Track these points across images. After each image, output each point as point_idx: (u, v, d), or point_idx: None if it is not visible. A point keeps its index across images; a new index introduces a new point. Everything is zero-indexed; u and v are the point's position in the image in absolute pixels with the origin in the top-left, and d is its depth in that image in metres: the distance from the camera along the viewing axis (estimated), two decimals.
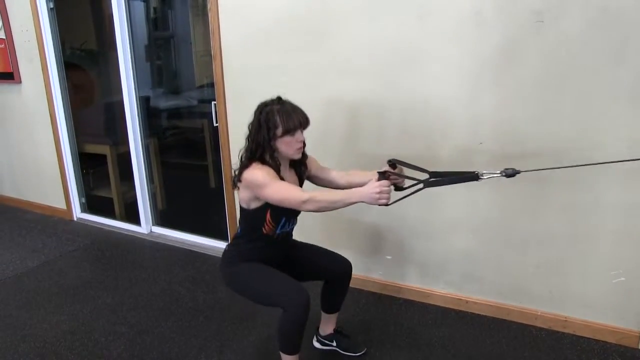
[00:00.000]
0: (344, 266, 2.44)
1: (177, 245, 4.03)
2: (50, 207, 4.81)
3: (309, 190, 2.06)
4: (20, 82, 4.48)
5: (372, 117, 2.88)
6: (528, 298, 2.78)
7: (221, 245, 3.83)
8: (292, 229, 2.34)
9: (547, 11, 2.34)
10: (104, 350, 2.70)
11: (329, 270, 2.44)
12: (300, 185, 2.30)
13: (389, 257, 3.10)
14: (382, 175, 1.98)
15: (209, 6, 3.22)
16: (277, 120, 2.06)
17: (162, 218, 4.36)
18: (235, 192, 2.33)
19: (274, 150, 2.12)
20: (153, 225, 4.31)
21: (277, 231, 2.23)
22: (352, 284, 3.13)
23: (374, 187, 1.92)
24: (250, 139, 2.14)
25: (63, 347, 2.73)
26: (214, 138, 3.77)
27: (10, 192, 5.14)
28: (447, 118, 2.68)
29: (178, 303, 3.14)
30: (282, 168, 2.17)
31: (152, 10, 4.28)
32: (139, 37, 4.07)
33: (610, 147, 2.35)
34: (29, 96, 4.50)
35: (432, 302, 3.03)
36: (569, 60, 2.36)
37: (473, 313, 2.92)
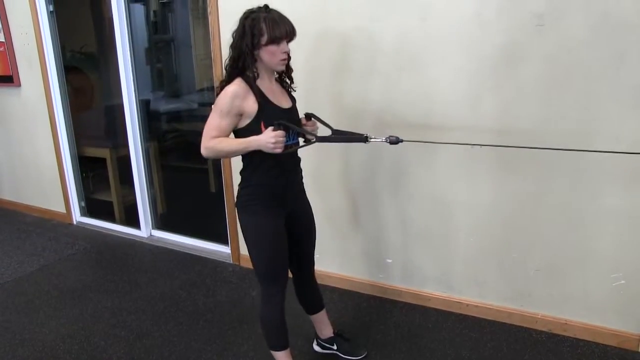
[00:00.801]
0: (309, 273, 2.46)
1: (177, 248, 4.02)
2: (49, 211, 4.81)
3: (219, 138, 2.02)
4: (19, 85, 4.48)
5: (373, 118, 2.87)
6: (528, 301, 2.78)
7: (221, 248, 3.84)
8: (295, 143, 2.18)
9: (548, 14, 2.34)
10: (104, 354, 2.69)
11: (300, 268, 2.42)
12: (292, 99, 2.24)
13: (389, 261, 3.09)
14: (278, 126, 1.98)
15: (209, 9, 3.22)
16: (262, 27, 1.98)
17: (162, 222, 4.35)
18: None
19: (255, 60, 2.04)
20: (153, 228, 4.30)
21: None
22: (353, 287, 3.16)
23: (269, 136, 1.93)
24: (233, 46, 2.05)
25: (62, 351, 2.72)
26: None
27: (9, 196, 5.14)
28: (448, 119, 2.68)
29: (178, 306, 3.14)
30: (265, 81, 2.09)
31: (152, 13, 4.28)
32: (139, 40, 4.08)
33: (610, 149, 2.35)
34: (28, 99, 4.50)
35: (432, 306, 3.02)
36: (570, 63, 2.36)
37: (474, 316, 2.91)
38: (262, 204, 2.16)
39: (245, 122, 2.05)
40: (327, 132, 2.18)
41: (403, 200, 2.93)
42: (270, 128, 1.97)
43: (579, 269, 2.61)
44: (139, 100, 4.03)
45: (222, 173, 3.58)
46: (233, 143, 2.04)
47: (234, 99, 1.99)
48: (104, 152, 4.45)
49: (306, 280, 2.47)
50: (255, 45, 2.00)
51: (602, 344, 2.62)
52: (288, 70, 2.19)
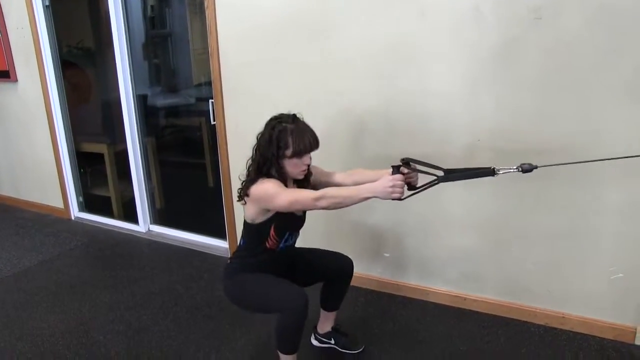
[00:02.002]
0: (346, 265, 2.45)
1: (175, 243, 4.03)
2: (47, 206, 4.81)
3: (324, 189, 2.05)
4: (16, 80, 4.47)
5: (370, 114, 2.87)
6: (526, 295, 2.79)
7: (219, 243, 3.84)
8: (294, 242, 2.34)
9: (545, 8, 2.34)
10: (102, 348, 2.70)
11: (332, 269, 2.44)
12: None
13: (387, 255, 3.10)
14: (396, 170, 1.96)
15: (206, 4, 3.21)
16: (289, 141, 2.04)
17: (160, 217, 4.35)
18: (241, 205, 2.27)
19: (280, 167, 2.10)
20: (151, 223, 4.31)
21: (281, 245, 2.24)
22: (351, 282, 3.15)
23: (387, 180, 1.90)
24: (259, 152, 2.11)
25: (61, 346, 2.73)
26: (212, 136, 3.77)
27: (7, 191, 5.14)
28: (446, 115, 2.68)
29: (176, 301, 3.14)
30: (288, 183, 2.17)
31: (149, 8, 4.26)
32: (136, 35, 4.06)
33: (609, 144, 2.36)
34: (25, 95, 4.49)
35: (430, 300, 3.03)
36: (568, 57, 2.36)
37: (472, 310, 2.92)
38: (246, 272, 2.27)
39: (260, 219, 2.15)
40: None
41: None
42: (388, 171, 1.97)
43: (577, 263, 2.61)
44: (136, 95, 4.03)
45: (220, 168, 3.58)
46: (349, 190, 2.02)
47: (274, 181, 2.08)
48: (101, 148, 4.44)
49: (341, 279, 2.48)
50: (280, 156, 2.06)
51: (599, 337, 2.63)
52: (308, 174, 2.24)
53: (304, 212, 2.30)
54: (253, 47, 3.13)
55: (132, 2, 3.92)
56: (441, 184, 1.98)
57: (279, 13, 2.97)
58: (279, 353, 2.26)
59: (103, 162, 4.48)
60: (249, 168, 2.17)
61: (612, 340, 2.61)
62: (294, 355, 2.27)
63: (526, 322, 2.79)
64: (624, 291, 2.55)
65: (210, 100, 3.46)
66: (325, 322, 2.61)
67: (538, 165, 1.88)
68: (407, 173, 2.02)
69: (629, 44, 2.24)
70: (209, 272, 3.51)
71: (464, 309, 2.93)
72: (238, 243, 2.39)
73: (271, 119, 2.12)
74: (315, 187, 2.29)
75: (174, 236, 4.13)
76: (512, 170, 1.89)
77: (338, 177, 2.31)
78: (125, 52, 3.90)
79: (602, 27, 2.27)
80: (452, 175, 2.01)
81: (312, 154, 2.15)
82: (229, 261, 2.39)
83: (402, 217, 2.98)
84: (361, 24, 2.76)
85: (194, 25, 3.98)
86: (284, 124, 2.07)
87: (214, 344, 2.70)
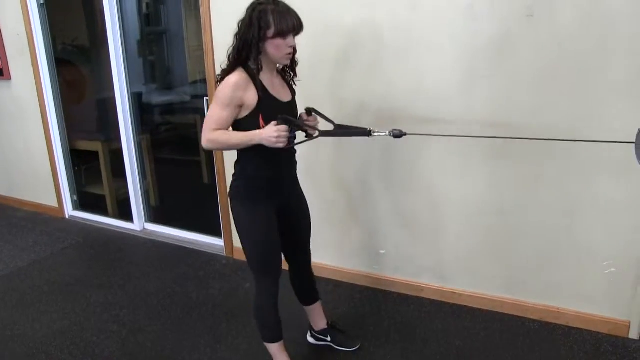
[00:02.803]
0: (305, 263, 2.45)
1: (170, 242, 4.02)
2: (41, 205, 4.78)
3: (221, 131, 2.00)
4: (10, 78, 4.45)
5: (363, 106, 2.87)
6: (521, 290, 2.79)
7: (215, 241, 3.83)
8: (294, 137, 2.13)
9: (538, 4, 2.34)
10: (96, 349, 2.68)
11: (294, 259, 2.43)
12: (292, 91, 2.23)
13: (382, 252, 3.10)
14: (283, 121, 1.97)
15: (200, 1, 3.20)
16: (270, 20, 1.96)
17: (155, 215, 4.34)
18: None
19: (260, 52, 2.01)
20: (146, 222, 4.29)
21: None
22: (346, 279, 3.16)
23: (272, 130, 1.92)
24: (239, 37, 2.03)
25: (54, 347, 2.71)
26: None
27: (0, 190, 5.11)
28: (439, 109, 2.68)
29: (171, 300, 3.13)
30: (267, 73, 2.07)
31: (144, 5, 4.25)
32: (131, 33, 4.05)
33: (602, 138, 2.35)
34: (19, 92, 4.47)
35: (426, 296, 3.03)
36: (561, 53, 2.36)
37: (467, 306, 2.92)
38: (255, 195, 2.15)
39: (244, 114, 2.03)
40: (327, 127, 2.16)
41: (396, 191, 2.93)
42: (273, 122, 1.96)
43: (571, 258, 2.62)
44: (131, 93, 4.01)
45: (214, 165, 3.57)
46: (236, 136, 2.01)
47: (235, 90, 1.97)
48: (96, 146, 4.43)
49: (302, 270, 2.46)
50: (262, 38, 1.97)
51: (594, 331, 2.64)
52: (292, 63, 2.17)
53: (294, 99, 2.22)
54: None
55: None
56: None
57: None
58: (265, 345, 2.28)
59: (97, 160, 4.46)
60: (229, 56, 2.08)
61: (606, 334, 2.62)
62: (279, 345, 2.30)
63: (521, 317, 2.79)
64: (618, 285, 2.56)
65: (205, 98, 3.44)
66: (316, 318, 2.60)
67: (407, 133, 2.04)
68: (300, 123, 2.09)
69: (621, 40, 2.25)
70: (204, 270, 3.50)
71: (460, 305, 2.94)
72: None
73: (251, 3, 2.04)
74: None
75: (169, 234, 4.12)
76: (384, 134, 2.04)
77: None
78: (120, 49, 3.89)
79: (594, 24, 2.27)
80: (332, 131, 2.14)
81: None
82: (233, 177, 2.24)
83: (398, 214, 2.97)
84: (355, 15, 2.75)
85: (189, 23, 3.97)
86: (264, 5, 1.99)
87: (209, 343, 2.69)
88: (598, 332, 2.63)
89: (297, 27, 2.01)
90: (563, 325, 2.70)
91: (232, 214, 2.22)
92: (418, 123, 2.72)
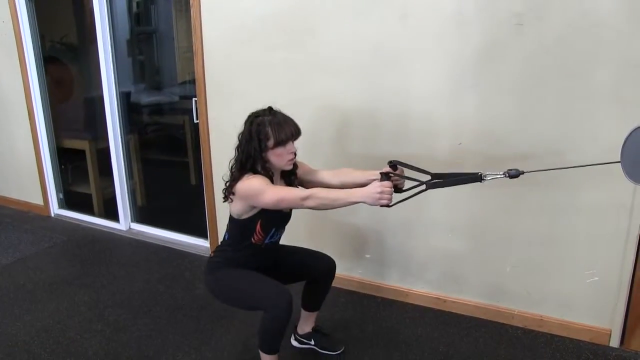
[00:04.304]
0: (328, 265, 2.45)
1: (156, 242, 4.00)
2: (26, 203, 4.74)
3: (315, 188, 2.06)
4: None
5: (354, 115, 2.88)
6: (505, 297, 2.81)
7: (200, 242, 3.82)
8: (279, 238, 2.34)
9: (527, 13, 2.36)
10: (79, 348, 2.67)
11: (314, 268, 2.44)
12: None
13: (368, 256, 3.11)
14: (385, 176, 1.97)
15: (191, 2, 3.20)
16: (268, 131, 2.04)
17: (142, 215, 4.32)
18: (227, 204, 2.26)
19: (265, 162, 2.10)
20: (132, 222, 4.27)
21: (266, 241, 2.23)
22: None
23: (375, 187, 1.91)
24: (240, 150, 2.12)
25: (36, 346, 2.69)
26: (195, 134, 3.76)
27: None
28: (428, 117, 2.70)
29: (156, 300, 3.12)
30: (274, 178, 2.17)
31: (134, 4, 4.24)
32: (120, 32, 4.03)
33: (588, 149, 2.39)
34: (6, 90, 4.43)
35: (410, 301, 3.04)
36: (549, 62, 2.39)
37: (451, 312, 2.94)
38: (228, 267, 2.27)
39: (246, 215, 2.14)
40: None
41: None
42: (377, 177, 1.98)
43: (555, 266, 2.64)
44: (119, 92, 4.00)
45: (202, 166, 3.56)
46: (338, 193, 2.02)
47: (260, 177, 2.07)
48: (83, 144, 4.40)
49: (322, 279, 2.47)
50: (263, 149, 2.05)
51: (576, 339, 2.66)
52: (294, 167, 2.23)
53: (291, 209, 2.30)
54: (237, 46, 3.12)
55: None
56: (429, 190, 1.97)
57: (263, 13, 2.97)
58: (261, 353, 2.26)
59: (84, 158, 4.43)
60: (231, 168, 2.17)
61: (588, 342, 2.65)
62: (276, 356, 2.27)
63: (505, 324, 2.81)
64: (600, 294, 2.58)
65: (193, 99, 3.44)
66: (306, 323, 2.61)
67: (525, 171, 1.87)
68: (395, 177, 2.03)
69: (608, 49, 2.28)
70: (189, 271, 3.49)
71: (444, 311, 2.95)
72: (222, 237, 2.38)
73: (248, 116, 2.13)
74: (301, 184, 2.31)
75: (155, 234, 4.11)
76: (499, 176, 1.89)
77: (324, 175, 2.32)
78: (109, 48, 3.87)
79: (582, 33, 2.30)
80: (440, 181, 2.00)
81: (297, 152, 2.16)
82: (211, 254, 2.38)
83: (384, 219, 2.98)
84: (346, 25, 2.77)
85: (179, 23, 3.97)
86: (260, 117, 2.08)
87: (193, 344, 2.69)
88: (580, 340, 2.66)
89: (294, 134, 2.09)
90: (546, 333, 2.73)
91: (207, 287, 2.31)
92: (407, 134, 2.74)
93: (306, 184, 2.31)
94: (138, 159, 4.32)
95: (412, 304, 3.03)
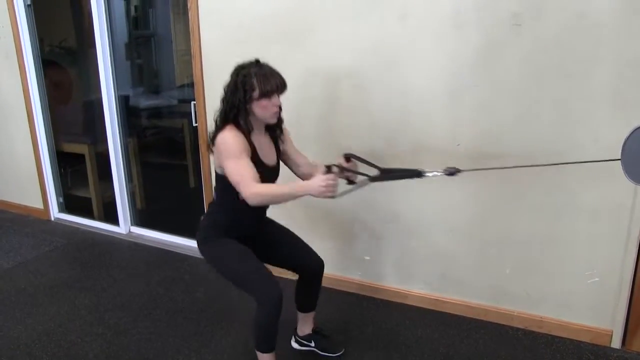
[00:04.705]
0: (316, 265, 2.43)
1: (155, 245, 4.00)
2: (26, 207, 4.75)
3: (266, 184, 2.04)
4: None
5: (352, 115, 2.89)
6: (505, 298, 2.81)
7: None
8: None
9: (525, 13, 2.37)
10: (80, 351, 2.67)
11: (301, 264, 2.43)
12: (277, 150, 2.28)
13: (367, 258, 3.11)
14: (329, 169, 2.00)
15: (189, 5, 3.21)
16: (254, 82, 2.03)
17: (141, 218, 4.32)
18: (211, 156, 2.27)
19: (248, 114, 2.09)
20: (132, 225, 4.27)
21: None
22: (330, 285, 3.16)
23: (320, 180, 1.93)
24: (225, 101, 2.11)
25: (38, 349, 2.70)
26: (194, 138, 3.76)
27: None
28: (426, 118, 2.70)
29: (156, 303, 3.12)
30: (256, 132, 2.14)
31: (132, 8, 4.24)
32: (118, 35, 4.03)
33: (586, 149, 2.39)
34: (5, 94, 4.43)
35: (410, 303, 3.04)
36: (547, 63, 2.39)
37: (451, 313, 2.94)
38: (220, 234, 2.25)
39: None
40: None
41: (381, 199, 2.95)
42: (322, 171, 1.99)
43: (554, 267, 2.64)
44: (118, 95, 4.00)
45: (201, 169, 3.57)
46: (281, 188, 2.04)
47: (237, 138, 2.05)
48: (82, 148, 4.40)
49: (312, 277, 2.47)
50: (248, 100, 2.04)
51: (577, 340, 2.67)
52: (279, 121, 2.22)
53: (278, 162, 2.29)
54: (236, 49, 3.11)
55: (115, 1, 3.90)
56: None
57: (261, 15, 2.98)
58: (258, 353, 2.27)
59: (84, 162, 4.44)
60: (216, 119, 2.15)
61: (589, 343, 2.65)
62: (272, 355, 2.28)
63: (505, 325, 2.81)
64: (601, 295, 2.58)
65: (192, 102, 3.44)
66: (305, 324, 2.61)
67: (462, 170, 1.95)
68: (341, 172, 2.08)
69: (606, 50, 2.28)
70: (189, 274, 3.50)
71: (444, 312, 2.95)
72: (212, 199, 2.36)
73: (235, 68, 2.12)
74: (283, 149, 2.31)
75: (154, 238, 4.11)
76: (438, 174, 1.96)
77: (300, 159, 2.35)
78: (108, 52, 3.87)
79: (580, 33, 2.30)
80: (382, 176, 2.09)
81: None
82: (202, 218, 2.36)
83: (383, 221, 2.99)
84: (344, 26, 2.77)
85: (177, 27, 3.97)
86: (246, 69, 2.07)
87: (193, 346, 2.69)
88: (580, 341, 2.66)
89: (280, 86, 2.09)
90: (546, 334, 2.73)
91: (205, 257, 2.30)
92: (405, 135, 2.75)
93: (283, 156, 2.32)
94: (137, 162, 4.33)
95: (411, 306, 3.03)
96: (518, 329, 2.78)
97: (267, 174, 2.16)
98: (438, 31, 2.58)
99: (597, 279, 2.57)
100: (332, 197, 1.94)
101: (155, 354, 2.64)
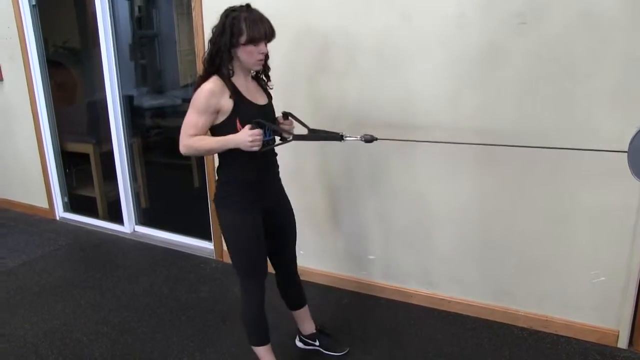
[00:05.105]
0: (292, 273, 2.47)
1: (160, 244, 4.01)
2: (32, 206, 4.76)
3: (198, 137, 2.02)
4: (1, 79, 4.43)
5: (355, 115, 2.88)
6: (510, 298, 2.80)
7: (204, 244, 3.83)
8: (272, 140, 2.22)
9: (529, 13, 2.36)
10: (85, 349, 2.68)
11: (280, 266, 2.44)
12: (268, 95, 2.25)
13: (372, 257, 3.10)
14: (257, 125, 2.00)
15: (192, 5, 3.21)
16: (242, 27, 1.98)
17: (145, 217, 4.33)
18: None
19: (231, 58, 2.04)
20: (136, 224, 4.28)
21: None
22: (335, 284, 3.17)
23: (246, 134, 1.95)
24: (212, 42, 2.05)
25: (43, 347, 2.71)
26: None
27: None
28: (428, 117, 2.70)
29: (161, 302, 3.13)
30: (241, 78, 2.10)
31: (136, 8, 4.25)
32: (123, 36, 4.04)
33: (590, 146, 2.37)
34: (10, 94, 4.45)
35: (414, 302, 3.04)
36: (550, 61, 2.38)
37: (455, 313, 2.93)
38: (239, 200, 2.17)
39: (220, 119, 2.06)
40: (303, 131, 2.21)
41: (384, 197, 2.94)
42: (248, 126, 1.99)
43: (560, 266, 2.63)
44: (122, 95, 4.01)
45: (205, 169, 3.57)
46: (211, 141, 2.05)
47: (210, 96, 2.00)
48: (87, 148, 4.41)
49: (289, 276, 2.48)
50: (234, 44, 2.00)
51: (583, 340, 2.65)
52: (265, 69, 2.20)
53: (270, 103, 2.24)
54: None
55: (119, 2, 3.91)
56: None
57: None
58: (253, 348, 2.30)
59: (88, 162, 4.45)
60: (203, 61, 2.11)
61: (595, 343, 2.63)
62: (267, 348, 2.30)
63: (510, 325, 2.80)
64: (607, 294, 2.57)
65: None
66: (303, 322, 2.60)
67: (378, 138, 2.14)
68: (274, 127, 2.15)
69: (610, 49, 2.27)
70: (193, 273, 3.50)
71: (448, 312, 2.95)
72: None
73: (225, 10, 2.06)
74: None
75: (159, 237, 4.11)
76: (356, 139, 2.13)
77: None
78: (112, 52, 3.88)
79: (584, 32, 2.29)
80: (304, 135, 2.22)
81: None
82: (217, 181, 2.26)
83: (387, 220, 2.98)
84: (348, 26, 2.77)
85: (181, 27, 3.98)
86: (236, 12, 2.02)
87: (198, 346, 2.69)
88: (586, 341, 2.65)
89: (268, 34, 2.05)
90: (551, 334, 2.72)
91: (219, 220, 2.24)
92: (407, 130, 2.74)
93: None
94: (142, 162, 4.34)
95: (416, 305, 3.02)
96: (523, 329, 2.77)
97: (259, 113, 2.10)
98: (441, 31, 2.57)
99: (603, 279, 2.56)
100: (257, 150, 1.97)
101: (160, 352, 2.65)
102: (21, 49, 4.21)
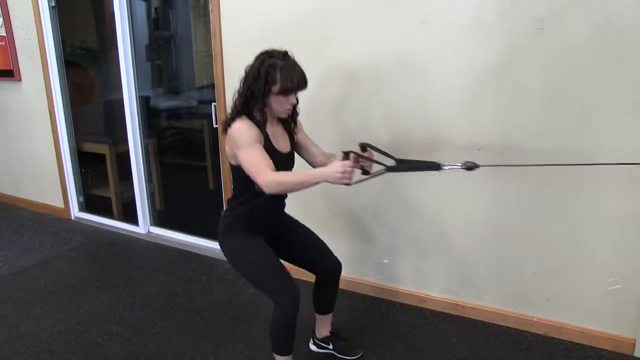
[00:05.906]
0: (334, 266, 2.42)
1: (174, 245, 4.03)
2: (47, 206, 4.81)
3: (282, 171, 2.03)
4: (20, 79, 4.48)
5: (372, 120, 2.88)
6: (525, 304, 2.78)
7: (218, 246, 3.83)
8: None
9: (548, 18, 2.34)
10: (100, 349, 2.69)
11: (319, 265, 2.42)
12: (291, 140, 2.26)
13: (386, 261, 3.10)
14: (346, 156, 1.98)
15: (210, 7, 3.22)
16: (277, 76, 1.99)
17: (160, 218, 4.35)
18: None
19: (265, 105, 2.06)
20: (151, 225, 4.30)
21: None
22: (349, 287, 3.16)
23: (337, 166, 1.89)
24: (246, 85, 2.07)
25: (58, 346, 2.73)
26: (213, 139, 3.78)
27: (7, 190, 5.14)
28: (446, 123, 2.69)
29: (175, 303, 3.14)
30: (269, 124, 2.13)
31: (153, 10, 4.28)
32: (139, 37, 4.07)
33: (609, 155, 2.35)
34: (28, 94, 4.50)
35: (428, 307, 3.03)
36: (570, 68, 2.37)
37: (469, 318, 2.92)
38: (241, 229, 2.22)
39: None
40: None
41: (401, 203, 2.94)
42: (339, 157, 1.97)
43: (575, 273, 2.61)
44: (139, 96, 4.03)
45: (220, 171, 3.58)
46: (300, 174, 2.02)
47: (250, 128, 2.03)
48: (103, 148, 4.45)
49: (330, 278, 2.45)
50: (266, 92, 2.02)
51: (598, 348, 2.63)
52: (294, 114, 2.22)
53: (292, 150, 2.26)
54: (257, 51, 3.12)
55: (136, 3, 3.94)
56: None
57: (283, 18, 2.98)
58: (275, 355, 2.27)
59: (104, 162, 4.48)
60: (235, 102, 2.12)
61: (610, 351, 2.61)
62: (289, 358, 2.28)
63: (524, 331, 2.79)
64: (623, 302, 2.55)
65: (212, 104, 3.46)
66: (322, 326, 2.60)
67: (481, 165, 1.96)
68: (359, 159, 2.07)
69: (631, 55, 2.25)
70: (207, 274, 3.51)
71: (462, 317, 2.93)
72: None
73: (262, 53, 2.08)
74: (296, 138, 2.30)
75: (173, 238, 4.13)
76: (456, 167, 1.97)
77: (314, 149, 2.33)
78: (129, 53, 3.91)
79: (604, 38, 2.27)
80: (400, 166, 2.11)
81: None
82: (223, 214, 2.33)
83: (401, 225, 2.98)
84: (366, 31, 2.77)
85: (198, 28, 3.99)
86: (273, 59, 2.03)
87: (211, 347, 2.70)
88: (601, 349, 2.62)
89: (301, 85, 2.06)
90: (566, 341, 2.69)
91: (225, 253, 2.28)
92: (425, 140, 2.74)
93: (296, 146, 2.30)
94: (157, 163, 4.36)
95: (429, 310, 3.01)
96: (537, 335, 2.75)
97: (282, 161, 2.12)
98: (459, 36, 2.56)
99: (619, 286, 2.54)
100: (348, 184, 1.92)
101: (173, 353, 2.65)
102: (39, 49, 4.25)
